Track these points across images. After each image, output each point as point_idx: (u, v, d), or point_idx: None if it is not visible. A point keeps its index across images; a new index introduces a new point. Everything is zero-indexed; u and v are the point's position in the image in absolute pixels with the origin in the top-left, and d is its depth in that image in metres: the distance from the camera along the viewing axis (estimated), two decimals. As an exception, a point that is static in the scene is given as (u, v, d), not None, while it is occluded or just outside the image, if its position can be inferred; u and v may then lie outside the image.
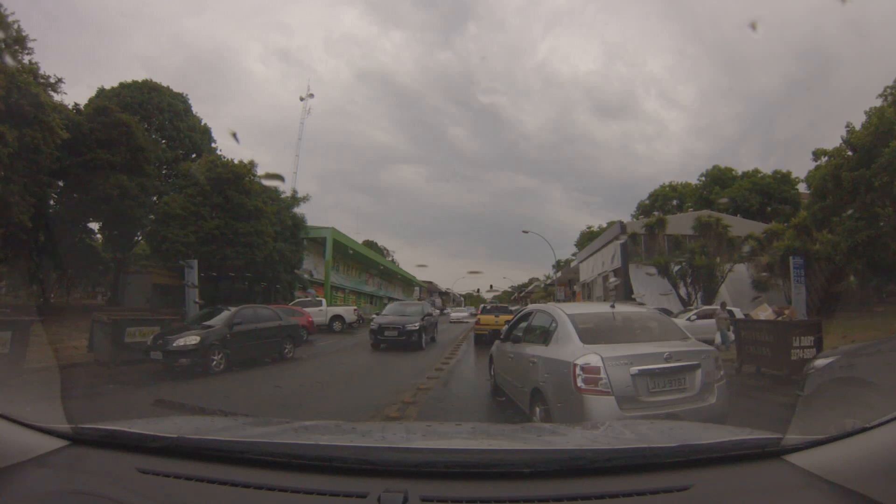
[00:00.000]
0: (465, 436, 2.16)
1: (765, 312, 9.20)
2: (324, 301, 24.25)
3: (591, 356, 4.08)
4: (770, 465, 1.36)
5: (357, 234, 60.07)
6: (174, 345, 9.15)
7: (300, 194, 27.55)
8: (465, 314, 36.39)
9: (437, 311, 34.14)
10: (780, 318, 8.91)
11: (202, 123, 27.84)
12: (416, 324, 14.55)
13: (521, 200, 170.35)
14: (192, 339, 9.26)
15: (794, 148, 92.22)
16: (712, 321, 15.44)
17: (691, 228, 25.98)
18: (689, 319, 15.31)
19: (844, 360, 3.75)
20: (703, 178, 45.71)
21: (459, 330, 24.99)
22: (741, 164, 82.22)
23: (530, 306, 7.82)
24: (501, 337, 6.75)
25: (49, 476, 1.35)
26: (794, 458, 1.34)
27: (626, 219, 39.37)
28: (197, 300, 17.30)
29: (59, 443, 1.48)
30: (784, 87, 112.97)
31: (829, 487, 1.20)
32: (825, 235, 18.55)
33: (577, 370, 4.03)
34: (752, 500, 1.27)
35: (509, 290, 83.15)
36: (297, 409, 6.61)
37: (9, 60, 15.40)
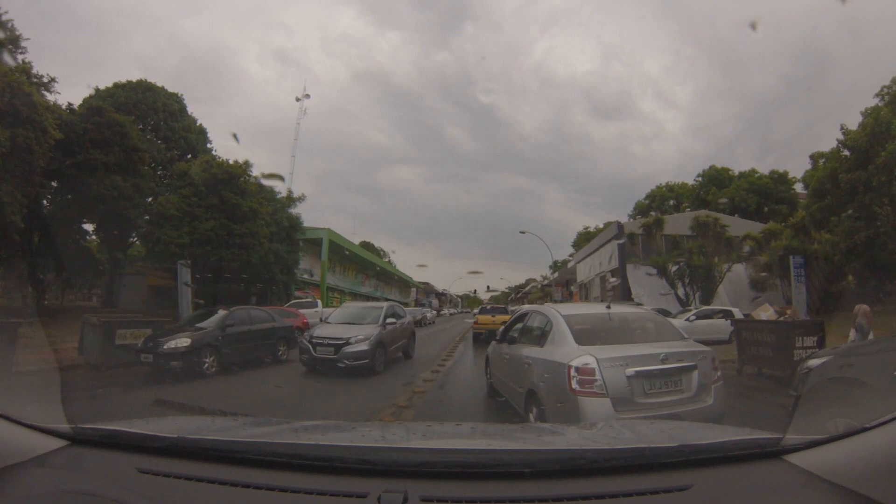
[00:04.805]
0: (464, 436, 2.15)
1: (766, 312, 9.09)
2: (319, 302, 24.12)
3: (585, 357, 4.01)
4: (770, 465, 1.36)
5: (354, 234, 60.08)
6: (165, 347, 9.02)
7: (296, 195, 27.37)
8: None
9: (434, 313, 41.56)
10: (781, 318, 8.79)
11: (197, 124, 27.66)
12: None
13: (519, 201, 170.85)
14: (183, 342, 9.14)
15: (791, 148, 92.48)
16: (711, 322, 15.39)
17: (689, 228, 25.98)
18: (687, 320, 15.26)
19: (838, 360, 3.71)
20: (700, 179, 45.88)
21: None
22: (738, 165, 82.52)
23: (526, 307, 7.73)
24: (497, 338, 6.65)
25: (49, 476, 1.36)
26: (794, 458, 1.34)
27: (624, 219, 39.53)
28: (197, 300, 17.15)
29: (58, 443, 1.48)
30: (781, 88, 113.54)
31: (829, 487, 1.20)
32: (824, 235, 18.54)
33: (572, 372, 3.96)
34: (752, 500, 1.27)
35: (507, 290, 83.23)
36: (292, 411, 6.50)
37: (3, 59, 15.27)
